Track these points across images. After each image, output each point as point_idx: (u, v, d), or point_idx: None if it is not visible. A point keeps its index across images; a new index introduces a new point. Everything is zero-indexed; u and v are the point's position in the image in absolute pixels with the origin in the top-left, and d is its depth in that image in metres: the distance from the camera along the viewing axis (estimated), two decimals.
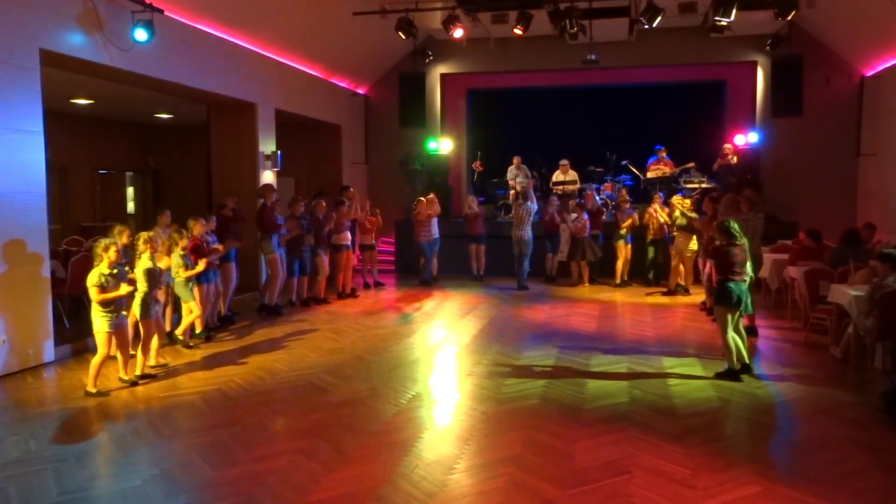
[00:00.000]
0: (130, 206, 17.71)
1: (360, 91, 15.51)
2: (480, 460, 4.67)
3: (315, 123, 13.96)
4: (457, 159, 15.65)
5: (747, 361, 6.58)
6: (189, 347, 7.82)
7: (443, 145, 14.94)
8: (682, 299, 10.89)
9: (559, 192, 13.61)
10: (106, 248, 6.12)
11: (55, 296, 7.70)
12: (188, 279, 7.66)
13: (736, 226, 6.49)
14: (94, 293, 6.07)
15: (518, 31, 11.37)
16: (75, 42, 7.64)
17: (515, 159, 14.30)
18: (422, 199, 12.54)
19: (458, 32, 11.33)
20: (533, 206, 11.99)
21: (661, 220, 11.50)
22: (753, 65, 14.11)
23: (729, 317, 6.40)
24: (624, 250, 12.09)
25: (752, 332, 8.07)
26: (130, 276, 6.86)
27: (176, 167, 17.24)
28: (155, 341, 6.92)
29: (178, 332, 7.91)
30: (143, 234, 6.93)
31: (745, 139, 13.83)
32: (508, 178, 14.29)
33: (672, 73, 14.95)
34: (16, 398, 6.15)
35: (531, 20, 11.25)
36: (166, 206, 11.09)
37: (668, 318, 9.53)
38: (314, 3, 11.18)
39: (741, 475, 4.35)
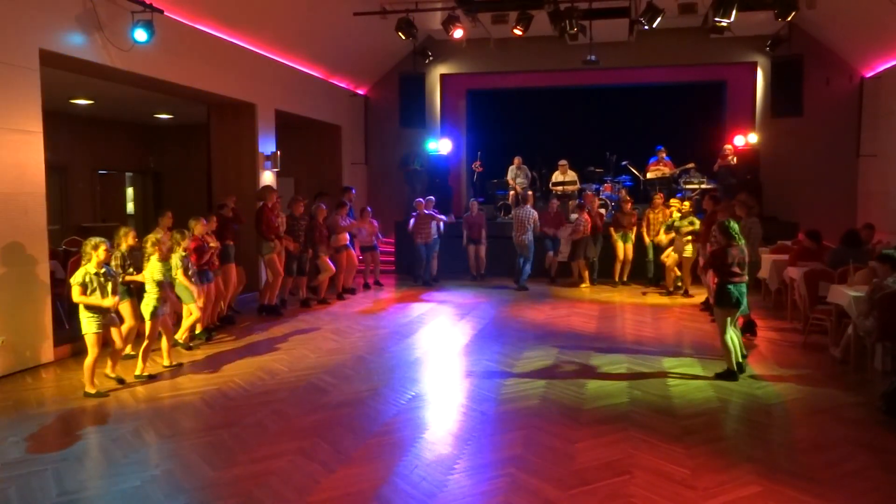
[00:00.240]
0: (130, 207, 17.71)
1: (360, 91, 15.51)
2: (480, 460, 4.67)
3: (315, 124, 13.96)
4: (457, 160, 15.66)
5: (741, 360, 6.61)
6: (189, 349, 7.81)
7: (442, 146, 14.95)
8: (681, 300, 10.89)
9: (558, 193, 13.62)
10: (95, 247, 5.91)
11: (54, 296, 7.69)
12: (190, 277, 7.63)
13: (736, 226, 6.51)
14: (75, 292, 5.84)
15: (518, 32, 11.37)
16: (75, 42, 7.64)
17: (516, 159, 14.31)
18: (421, 200, 12.55)
19: (458, 33, 11.32)
20: (531, 211, 11.99)
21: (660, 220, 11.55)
22: (753, 65, 14.12)
23: (728, 318, 6.43)
24: (623, 250, 12.11)
25: (750, 328, 8.08)
26: (129, 276, 6.89)
27: (176, 167, 17.24)
28: (165, 342, 6.94)
29: (179, 335, 7.88)
30: (152, 237, 6.98)
31: (745, 140, 13.84)
32: (509, 179, 14.30)
33: (672, 73, 14.96)
34: (15, 399, 6.14)
35: (531, 21, 11.25)
36: (166, 206, 11.09)
37: (667, 318, 9.53)
38: (314, 4, 11.19)
39: (741, 475, 4.35)
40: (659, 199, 11.96)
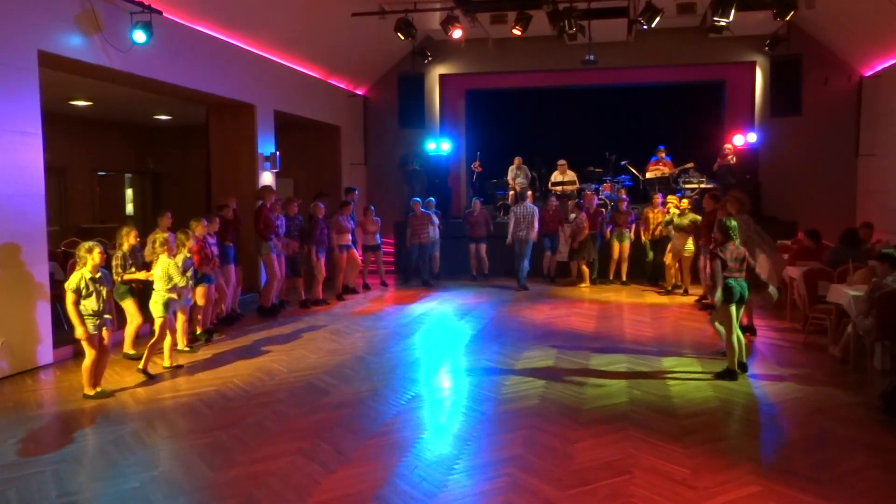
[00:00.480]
0: (129, 208, 17.70)
1: (359, 92, 15.51)
2: (480, 460, 4.67)
3: (314, 124, 13.96)
4: (456, 160, 15.66)
5: (744, 360, 6.63)
6: (189, 350, 7.80)
7: (442, 146, 14.95)
8: (680, 299, 10.89)
9: (558, 193, 13.62)
10: (90, 250, 5.81)
11: (53, 298, 7.68)
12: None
13: (734, 224, 6.53)
14: (69, 298, 5.75)
15: (517, 32, 11.38)
16: (74, 44, 7.64)
17: (516, 160, 14.32)
18: (417, 200, 12.54)
19: (456, 33, 11.33)
20: (533, 207, 12.02)
21: (659, 220, 11.56)
22: (752, 65, 14.12)
23: (733, 312, 6.42)
24: (619, 249, 12.11)
25: (750, 330, 8.09)
26: (129, 275, 6.90)
27: (175, 168, 17.24)
28: (168, 342, 6.95)
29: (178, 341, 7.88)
30: (159, 237, 7.00)
31: (745, 139, 13.84)
32: (509, 179, 14.30)
33: (671, 73, 14.96)
34: (14, 400, 6.14)
35: (530, 21, 11.26)
36: (166, 207, 11.08)
37: (666, 318, 9.53)
38: (313, 4, 11.18)
39: (741, 475, 4.35)
40: (657, 198, 11.97)
